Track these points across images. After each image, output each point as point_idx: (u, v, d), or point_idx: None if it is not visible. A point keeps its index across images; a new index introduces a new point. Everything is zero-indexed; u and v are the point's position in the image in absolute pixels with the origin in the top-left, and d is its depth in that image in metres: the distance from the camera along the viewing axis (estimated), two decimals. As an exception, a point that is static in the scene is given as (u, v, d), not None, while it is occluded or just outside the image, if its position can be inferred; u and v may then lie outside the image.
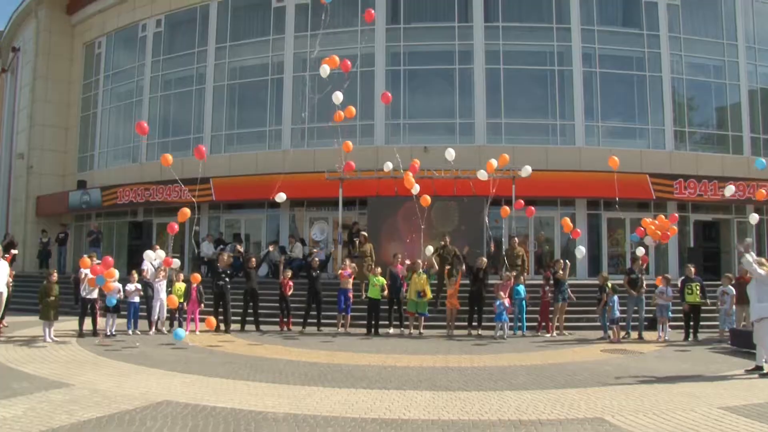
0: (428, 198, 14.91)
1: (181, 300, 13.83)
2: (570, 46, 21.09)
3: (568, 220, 15.19)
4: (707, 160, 21.47)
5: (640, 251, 14.67)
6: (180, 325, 13.82)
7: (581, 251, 14.96)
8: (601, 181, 19.50)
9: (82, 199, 25.18)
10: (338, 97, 14.35)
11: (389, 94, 15.68)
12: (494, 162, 14.91)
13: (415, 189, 14.39)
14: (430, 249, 15.04)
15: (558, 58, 21.23)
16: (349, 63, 14.40)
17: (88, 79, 27.92)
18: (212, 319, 12.36)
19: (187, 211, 12.31)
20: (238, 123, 23.29)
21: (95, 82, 27.49)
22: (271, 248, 17.86)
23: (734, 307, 13.54)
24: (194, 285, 13.79)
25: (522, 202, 15.34)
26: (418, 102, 21.51)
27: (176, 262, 13.45)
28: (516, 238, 17.08)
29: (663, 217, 15.57)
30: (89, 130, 27.49)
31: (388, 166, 15.80)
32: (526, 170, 16.10)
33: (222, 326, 14.17)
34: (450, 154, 15.70)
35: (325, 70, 13.69)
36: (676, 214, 15.78)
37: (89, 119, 27.50)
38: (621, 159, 20.34)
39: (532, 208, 15.58)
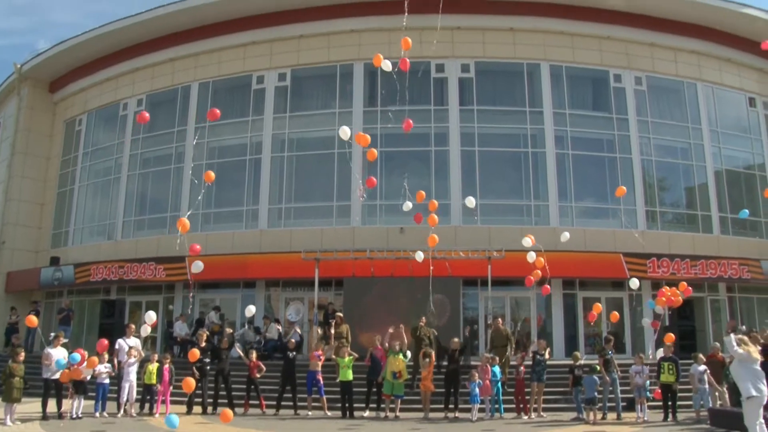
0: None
1: (153, 382, 13.58)
2: (543, 129, 21.73)
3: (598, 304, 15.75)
4: (679, 239, 21.89)
5: (646, 322, 14.89)
6: (151, 407, 13.54)
7: (647, 323, 15.65)
8: (577, 260, 19.84)
9: (54, 275, 24.77)
10: (345, 131, 14.23)
11: (374, 179, 15.87)
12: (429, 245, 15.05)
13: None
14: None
15: (531, 140, 21.83)
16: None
17: (66, 155, 27.97)
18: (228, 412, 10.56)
19: (186, 222, 12.26)
20: (216, 202, 23.33)
21: (74, 159, 27.54)
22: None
23: (708, 386, 13.60)
24: (166, 365, 13.59)
25: (548, 287, 15.79)
26: (395, 183, 21.79)
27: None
28: (500, 319, 17.11)
29: (675, 289, 15.73)
30: (65, 207, 27.33)
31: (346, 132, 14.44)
32: (565, 236, 16.14)
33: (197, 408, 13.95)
34: (470, 201, 16.11)
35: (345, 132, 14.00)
36: (687, 285, 15.99)
37: (66, 195, 27.40)
38: (594, 239, 20.98)
39: (548, 286, 15.76)
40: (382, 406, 14.27)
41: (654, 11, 22.50)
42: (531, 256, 15.35)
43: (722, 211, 22.92)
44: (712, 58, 23.71)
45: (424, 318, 16.08)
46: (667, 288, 15.62)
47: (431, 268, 16.59)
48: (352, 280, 18.69)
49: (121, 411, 13.67)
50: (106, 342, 13.55)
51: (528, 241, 15.50)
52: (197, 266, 13.56)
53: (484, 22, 21.81)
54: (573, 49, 22.19)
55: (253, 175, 22.87)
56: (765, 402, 8.82)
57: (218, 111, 13.17)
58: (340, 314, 17.38)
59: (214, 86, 24.10)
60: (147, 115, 13.59)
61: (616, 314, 16.14)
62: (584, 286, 21.06)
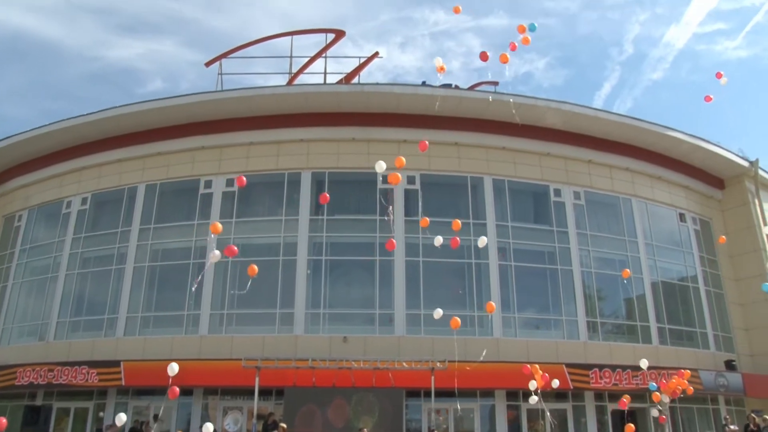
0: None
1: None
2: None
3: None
4: (620, 350, 22.20)
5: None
6: None
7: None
8: (520, 372, 19.82)
9: (-25, 380, 23.38)
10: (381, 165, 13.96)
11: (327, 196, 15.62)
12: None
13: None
14: None
15: (475, 251, 22.19)
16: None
17: (2, 251, 27.08)
18: None
19: (219, 225, 12.49)
20: (156, 305, 22.77)
21: (10, 255, 26.67)
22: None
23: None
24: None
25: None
26: (339, 292, 21.82)
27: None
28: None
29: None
30: (-4, 305, 26.22)
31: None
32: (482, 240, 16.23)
33: None
34: (483, 241, 16.19)
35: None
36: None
37: (-3, 293, 26.36)
38: (537, 350, 21.11)
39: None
40: None
41: (590, 131, 23.82)
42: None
43: (660, 321, 23.52)
44: (644, 176, 25.02)
45: (365, 430, 15.76)
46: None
47: (374, 378, 16.42)
48: (293, 389, 18.25)
49: None
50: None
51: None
52: (216, 255, 12.34)
53: (430, 136, 22.44)
54: (515, 164, 23.13)
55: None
56: None
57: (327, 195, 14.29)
58: (284, 425, 16.84)
59: (161, 188, 24.03)
60: (244, 179, 14.38)
61: None
62: (528, 397, 20.95)
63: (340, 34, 24.35)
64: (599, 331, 22.74)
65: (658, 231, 24.93)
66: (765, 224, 26.23)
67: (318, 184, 22.39)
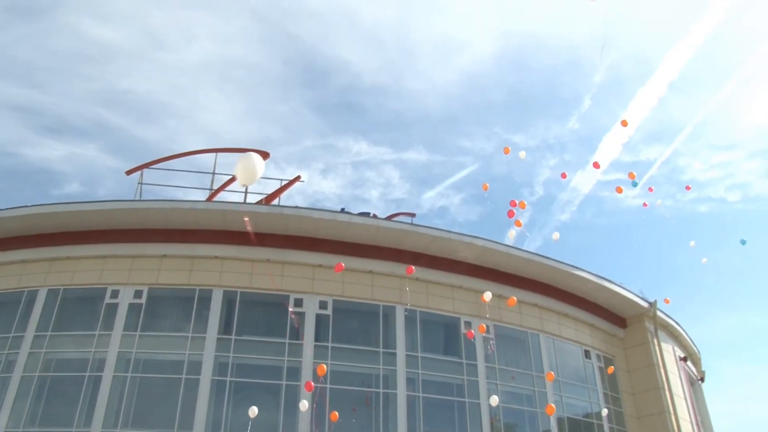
0: None
1: None
2: (395, 370, 22.10)
3: None
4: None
5: None
6: None
7: None
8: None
9: None
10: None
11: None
12: None
13: None
14: None
15: (383, 380, 22.05)
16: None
17: None
18: None
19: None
20: (41, 420, 21.17)
21: None
22: None
23: None
24: None
25: None
26: (242, 415, 20.93)
27: None
28: None
29: None
30: None
31: None
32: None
33: None
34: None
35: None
36: None
37: None
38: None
39: None
40: None
41: (501, 266, 24.65)
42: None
43: (566, 458, 23.59)
44: (552, 312, 25.83)
45: None
46: None
47: None
48: None
49: None
50: None
51: None
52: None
53: (346, 262, 22.58)
54: (428, 295, 23.49)
55: (89, 394, 21.21)
56: None
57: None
58: None
59: (64, 294, 22.94)
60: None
61: None
62: None
63: (264, 155, 24.70)
64: (508, 466, 22.61)
65: (564, 367, 25.48)
66: (663, 363, 27.27)
67: (229, 303, 22.00)
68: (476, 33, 58.61)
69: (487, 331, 23.91)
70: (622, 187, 18.56)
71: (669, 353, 28.73)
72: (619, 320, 28.55)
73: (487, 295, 18.36)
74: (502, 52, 62.82)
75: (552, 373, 21.30)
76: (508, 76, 67.13)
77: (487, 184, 22.00)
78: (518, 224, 16.54)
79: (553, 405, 20.75)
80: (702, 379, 32.80)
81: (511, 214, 16.65)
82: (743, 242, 19.84)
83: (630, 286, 27.83)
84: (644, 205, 19.61)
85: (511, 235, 16.80)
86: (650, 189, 19.99)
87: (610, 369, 21.71)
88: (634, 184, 18.60)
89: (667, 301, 25.67)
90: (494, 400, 18.08)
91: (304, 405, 18.12)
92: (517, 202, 16.91)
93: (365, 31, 59.34)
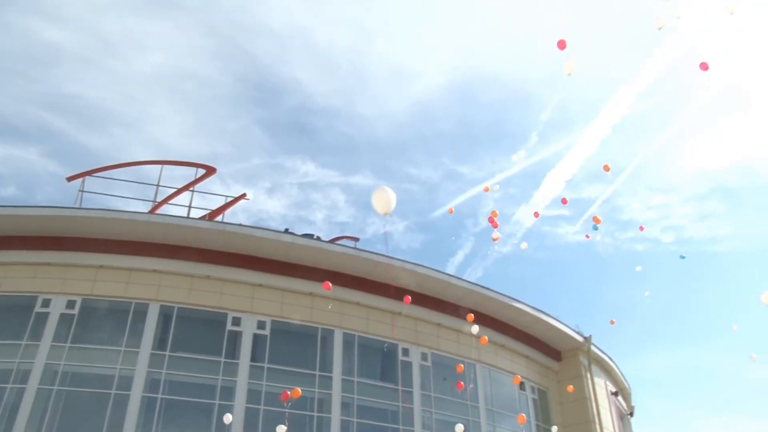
0: None
1: None
2: (330, 393, 21.98)
3: None
4: None
5: None
6: None
7: None
8: None
9: None
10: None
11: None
12: None
13: None
14: None
15: (318, 404, 21.90)
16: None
17: None
18: None
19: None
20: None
21: None
22: None
23: None
24: None
25: None
26: (173, 433, 20.54)
27: None
28: None
29: None
30: None
31: None
32: None
33: None
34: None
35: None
36: None
37: None
38: None
39: None
40: None
41: (442, 295, 24.91)
42: None
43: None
44: (489, 343, 26.08)
45: None
46: None
47: None
48: None
49: None
50: None
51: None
52: None
53: (287, 283, 22.70)
54: (367, 320, 23.50)
55: (10, 407, 20.39)
56: None
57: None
58: None
59: (-10, 302, 22.19)
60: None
61: None
62: None
63: (210, 170, 24.61)
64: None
65: (498, 397, 25.79)
66: (595, 397, 27.89)
67: (165, 318, 21.55)
68: (430, 64, 59.69)
69: (425, 358, 24.13)
70: (590, 235, 19.55)
71: (601, 387, 29.45)
72: (555, 353, 29.13)
73: (474, 329, 18.78)
74: (453, 84, 64.06)
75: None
76: (458, 108, 68.43)
77: (453, 208, 23.49)
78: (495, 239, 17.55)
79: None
80: (631, 414, 33.66)
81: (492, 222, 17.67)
82: (683, 257, 20.79)
83: (567, 320, 28.51)
84: (587, 236, 20.45)
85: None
86: (596, 219, 20.72)
87: (516, 379, 22.27)
88: (595, 228, 19.55)
89: (612, 322, 25.63)
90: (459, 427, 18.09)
91: (228, 418, 17.88)
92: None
93: (320, 53, 59.70)
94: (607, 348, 30.44)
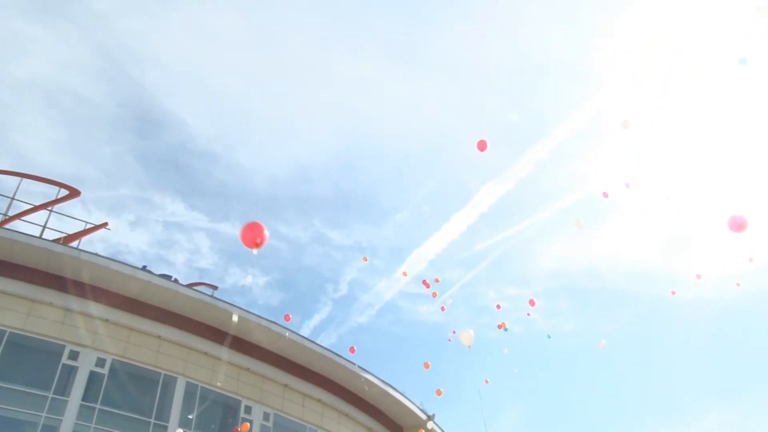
0: None
1: None
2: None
3: None
4: None
5: None
6: None
7: None
8: None
9: None
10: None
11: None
12: None
13: None
14: None
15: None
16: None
17: None
18: None
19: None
20: None
21: None
22: None
23: None
24: None
25: None
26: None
27: None
28: None
29: None
30: None
31: None
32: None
33: None
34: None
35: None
36: None
37: None
38: None
39: None
40: None
41: (293, 356, 24.82)
42: None
43: None
44: (334, 410, 26.20)
45: None
46: None
47: None
48: None
49: None
50: None
51: None
52: None
53: (135, 322, 21.77)
54: (213, 371, 22.82)
55: None
56: None
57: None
58: None
59: None
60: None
61: None
62: None
63: (74, 192, 23.49)
64: None
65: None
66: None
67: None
68: (315, 125, 60.83)
69: (266, 418, 23.73)
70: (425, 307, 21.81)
71: (438, 466, 29.94)
72: (397, 428, 29.48)
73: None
74: (336, 149, 65.55)
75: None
76: (337, 174, 69.85)
77: (367, 257, 25.43)
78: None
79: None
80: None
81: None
82: (549, 337, 23.54)
83: (413, 396, 29.10)
84: (442, 309, 22.19)
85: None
86: (448, 301, 22.83)
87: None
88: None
89: (439, 393, 25.86)
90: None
91: None
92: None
93: (209, 95, 59.22)
94: (450, 429, 31.21)
